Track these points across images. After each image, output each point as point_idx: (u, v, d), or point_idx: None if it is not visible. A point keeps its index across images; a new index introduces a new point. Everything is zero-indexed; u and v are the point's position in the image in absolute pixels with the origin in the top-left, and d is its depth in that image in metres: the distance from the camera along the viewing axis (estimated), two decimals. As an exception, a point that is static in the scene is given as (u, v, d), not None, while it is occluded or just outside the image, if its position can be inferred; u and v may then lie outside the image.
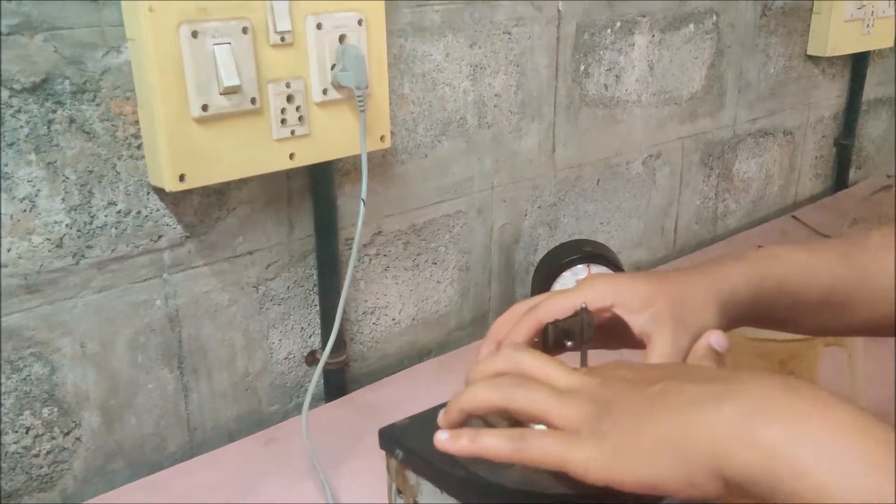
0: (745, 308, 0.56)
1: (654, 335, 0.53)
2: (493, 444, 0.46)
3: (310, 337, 0.96)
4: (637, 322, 0.54)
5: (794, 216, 1.57)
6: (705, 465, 0.40)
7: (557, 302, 0.55)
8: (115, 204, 0.77)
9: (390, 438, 0.54)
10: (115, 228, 0.78)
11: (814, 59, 1.57)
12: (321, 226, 0.92)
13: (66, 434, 0.80)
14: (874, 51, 1.68)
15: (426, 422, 0.55)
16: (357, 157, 0.89)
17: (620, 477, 0.43)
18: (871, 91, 1.74)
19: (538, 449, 0.45)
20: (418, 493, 0.53)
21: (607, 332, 0.56)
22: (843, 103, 1.70)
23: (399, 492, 0.55)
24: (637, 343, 0.55)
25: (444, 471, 0.50)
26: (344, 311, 0.98)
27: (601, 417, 0.45)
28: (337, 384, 0.99)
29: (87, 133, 0.74)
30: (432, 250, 1.07)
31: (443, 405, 0.57)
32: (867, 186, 1.73)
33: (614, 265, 1.07)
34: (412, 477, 0.53)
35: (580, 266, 1.06)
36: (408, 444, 0.53)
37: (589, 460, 0.43)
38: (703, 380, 0.44)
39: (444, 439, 0.48)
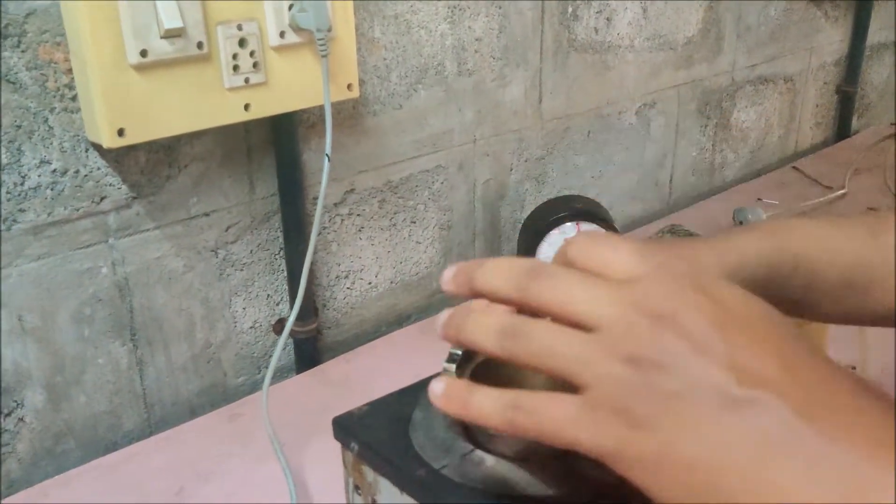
0: (755, 285, 0.48)
1: None
2: (484, 408, 0.37)
3: (277, 304, 0.89)
4: None
5: (794, 167, 1.50)
6: None
7: None
8: (48, 162, 0.70)
9: (345, 429, 0.47)
10: (51, 190, 0.70)
11: (816, 1, 1.49)
12: (285, 184, 0.84)
13: (7, 415, 0.73)
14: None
15: (387, 409, 0.49)
16: (323, 109, 0.82)
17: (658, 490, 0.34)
18: (874, 35, 1.66)
19: (545, 423, 0.35)
20: (376, 491, 0.46)
21: None
22: (845, 48, 1.62)
23: (356, 488, 0.48)
24: None
25: (405, 468, 0.43)
26: (315, 276, 0.91)
27: (650, 396, 0.33)
28: (309, 354, 0.92)
29: (13, 83, 0.66)
30: (410, 208, 0.99)
31: (406, 389, 0.51)
32: (870, 135, 1.66)
33: (606, 222, 0.99)
34: (370, 473, 0.46)
35: (569, 224, 0.99)
36: (365, 436, 0.46)
37: (639, 457, 0.34)
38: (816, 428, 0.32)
39: (438, 394, 0.39)
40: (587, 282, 0.36)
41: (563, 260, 0.39)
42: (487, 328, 0.38)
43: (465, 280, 0.40)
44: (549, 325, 0.36)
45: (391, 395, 0.50)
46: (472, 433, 0.45)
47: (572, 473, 0.43)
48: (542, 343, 0.36)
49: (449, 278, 0.41)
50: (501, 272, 0.38)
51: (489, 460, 0.43)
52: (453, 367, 0.46)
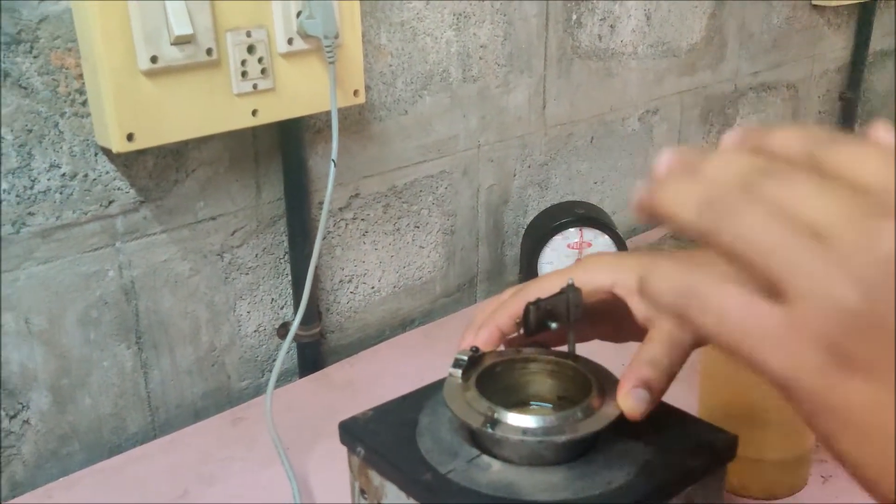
0: None
1: (659, 319, 0.45)
2: (657, 278, 0.31)
3: (281, 308, 0.90)
4: (641, 306, 0.47)
5: (796, 174, 1.50)
6: None
7: (546, 283, 0.48)
8: (58, 166, 0.70)
9: (351, 433, 0.48)
10: (60, 193, 0.71)
11: (819, 9, 1.49)
12: (291, 188, 0.85)
13: (13, 417, 0.74)
14: (881, 0, 1.60)
15: (392, 414, 0.49)
16: (330, 114, 0.82)
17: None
18: (876, 42, 1.66)
19: (727, 325, 0.29)
20: (383, 495, 0.47)
21: (607, 319, 0.49)
22: (848, 55, 1.62)
23: (363, 492, 0.49)
24: (642, 333, 0.47)
25: (410, 472, 0.44)
26: (319, 280, 0.92)
27: (879, 336, 0.27)
28: (312, 358, 0.92)
29: (25, 88, 0.67)
30: (415, 213, 1.00)
31: (410, 394, 0.51)
32: (872, 143, 1.66)
33: (608, 228, 1.00)
34: (376, 477, 0.47)
35: (572, 230, 0.99)
36: (371, 440, 0.47)
37: (838, 406, 0.28)
38: None
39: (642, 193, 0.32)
40: (832, 185, 0.29)
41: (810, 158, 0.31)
42: (687, 194, 0.31)
43: (689, 167, 0.32)
44: (770, 212, 0.29)
45: (396, 399, 0.50)
46: (479, 438, 0.45)
47: (579, 478, 0.43)
48: (755, 228, 0.29)
49: (666, 161, 0.33)
50: (732, 163, 0.31)
51: (496, 465, 0.44)
52: (459, 372, 0.47)
